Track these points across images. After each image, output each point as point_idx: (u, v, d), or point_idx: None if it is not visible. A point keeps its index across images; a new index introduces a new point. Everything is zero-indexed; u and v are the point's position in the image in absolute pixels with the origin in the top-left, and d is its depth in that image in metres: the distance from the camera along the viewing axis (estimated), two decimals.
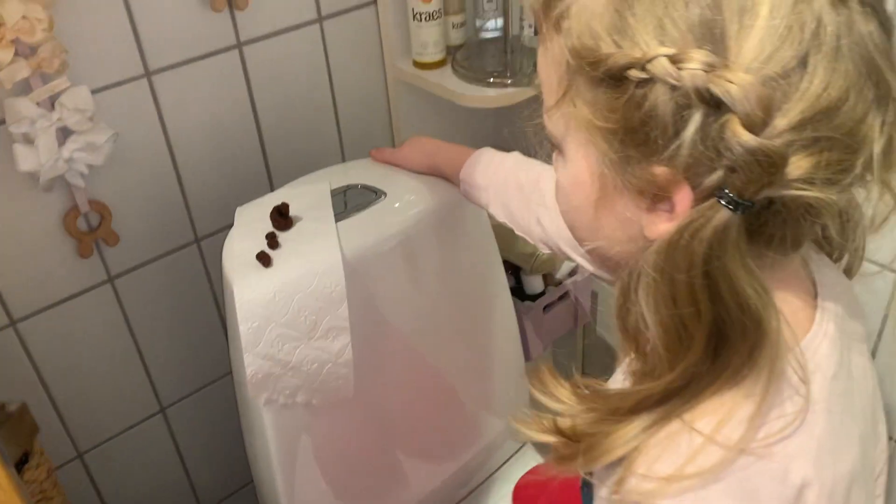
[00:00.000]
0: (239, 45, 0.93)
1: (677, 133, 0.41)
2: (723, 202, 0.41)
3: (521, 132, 0.59)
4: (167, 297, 1.02)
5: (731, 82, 0.39)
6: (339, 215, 0.85)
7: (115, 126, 0.85)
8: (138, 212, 0.94)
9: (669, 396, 0.47)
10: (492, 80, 1.00)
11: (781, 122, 0.40)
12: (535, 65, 0.62)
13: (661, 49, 0.41)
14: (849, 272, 0.57)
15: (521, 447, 1.18)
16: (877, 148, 0.42)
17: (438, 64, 1.05)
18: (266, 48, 0.96)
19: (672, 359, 0.46)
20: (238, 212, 0.88)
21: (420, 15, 1.01)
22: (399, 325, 0.91)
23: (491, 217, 0.89)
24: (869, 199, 0.47)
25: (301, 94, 1.02)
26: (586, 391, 0.51)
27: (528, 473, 1.09)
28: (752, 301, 0.43)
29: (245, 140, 1.00)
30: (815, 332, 0.49)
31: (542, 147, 0.57)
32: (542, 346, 1.20)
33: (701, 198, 0.42)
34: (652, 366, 0.47)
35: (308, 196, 0.88)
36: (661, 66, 0.41)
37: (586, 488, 0.63)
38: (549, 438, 0.51)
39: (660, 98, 0.41)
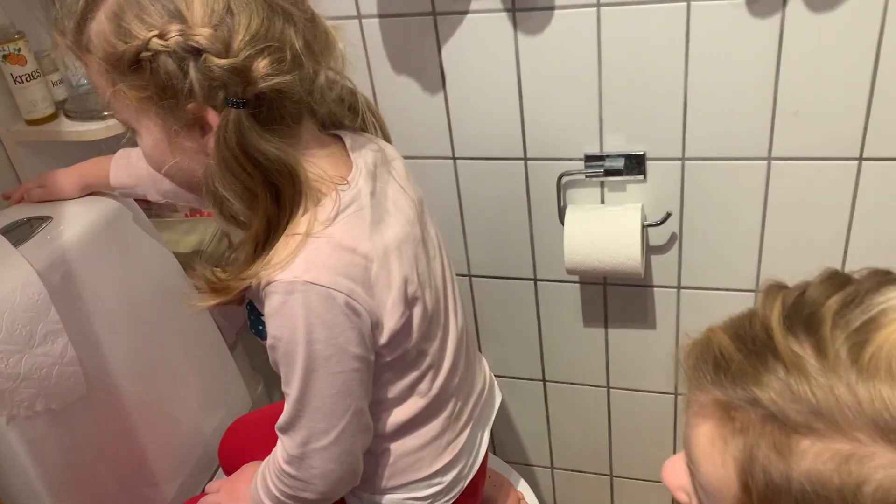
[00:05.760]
0: None
1: (185, 77, 0.68)
2: (230, 106, 0.69)
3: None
4: None
5: (198, 35, 0.67)
6: (16, 244, 0.95)
7: None
8: None
9: (268, 235, 0.74)
10: (106, 113, 1.16)
11: (235, 45, 0.68)
12: None
13: (150, 33, 0.68)
14: (385, 137, 0.91)
15: None
16: (299, 44, 0.72)
17: (51, 118, 1.18)
18: None
19: (253, 211, 0.74)
20: None
21: (20, 77, 1.13)
22: (109, 325, 1.03)
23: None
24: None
25: None
26: (226, 265, 0.79)
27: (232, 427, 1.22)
28: (277, 155, 0.72)
29: None
30: (354, 173, 0.79)
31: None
32: (234, 330, 1.38)
33: (221, 111, 0.70)
34: (247, 224, 0.75)
35: None
36: (155, 43, 0.68)
37: (251, 311, 0.86)
38: (214, 296, 0.77)
39: (166, 62, 0.68)
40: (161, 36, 0.66)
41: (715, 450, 0.46)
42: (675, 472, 0.53)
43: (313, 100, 0.77)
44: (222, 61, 0.67)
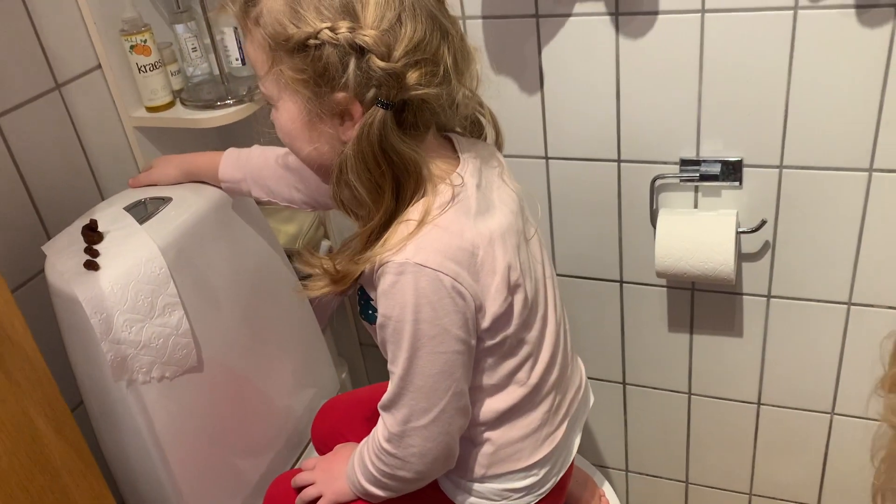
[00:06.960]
0: None
1: (344, 71, 0.73)
2: (378, 106, 0.73)
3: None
4: None
5: (366, 36, 0.72)
6: (140, 221, 1.02)
7: None
8: None
9: (383, 228, 0.79)
10: (219, 103, 1.23)
11: (397, 53, 0.73)
12: (249, 88, 0.90)
13: (322, 24, 0.73)
14: (499, 145, 0.95)
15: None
16: (449, 61, 0.77)
17: (169, 105, 1.26)
18: (18, 119, 1.09)
19: (376, 205, 0.78)
20: (46, 247, 1.00)
21: (144, 67, 1.21)
22: (215, 303, 1.09)
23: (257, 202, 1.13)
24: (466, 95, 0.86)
25: (57, 154, 1.16)
26: (335, 253, 0.83)
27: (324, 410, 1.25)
28: (410, 155, 0.77)
29: (15, 200, 1.10)
30: (462, 167, 0.83)
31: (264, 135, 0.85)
32: (327, 315, 1.44)
33: (367, 107, 0.75)
34: (366, 216, 0.80)
35: (105, 217, 1.03)
36: (326, 34, 0.73)
37: (362, 296, 0.90)
38: (332, 286, 0.82)
39: (330, 54, 0.73)
40: (332, 29, 0.71)
41: None
42: None
43: (445, 114, 0.82)
44: (383, 63, 0.71)
